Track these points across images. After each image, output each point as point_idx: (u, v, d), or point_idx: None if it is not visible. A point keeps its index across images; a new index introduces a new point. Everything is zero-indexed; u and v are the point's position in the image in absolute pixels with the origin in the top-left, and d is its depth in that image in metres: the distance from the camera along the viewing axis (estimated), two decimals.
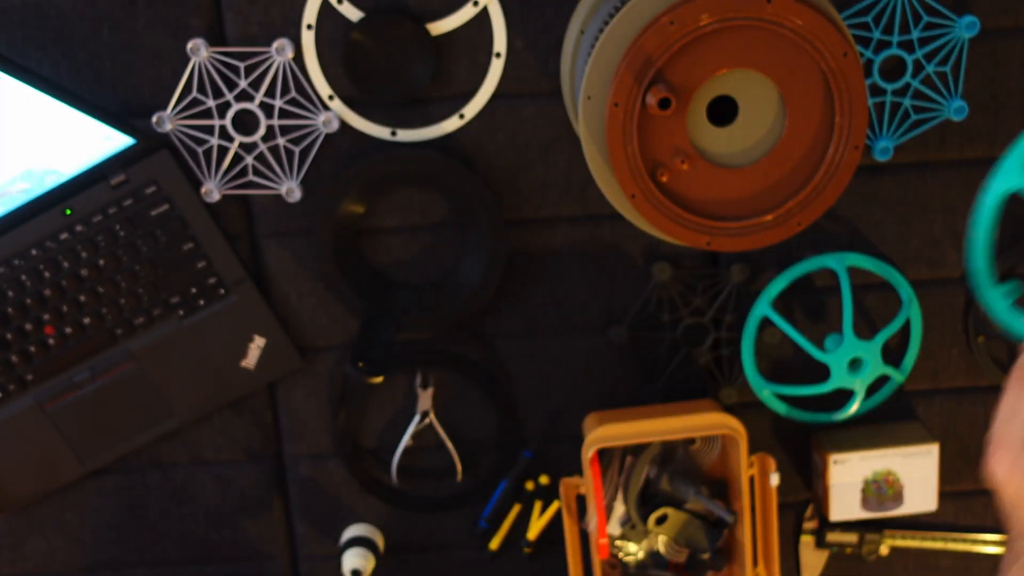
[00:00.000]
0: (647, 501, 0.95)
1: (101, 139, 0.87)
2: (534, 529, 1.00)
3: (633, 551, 0.97)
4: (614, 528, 0.95)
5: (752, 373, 0.93)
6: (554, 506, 0.99)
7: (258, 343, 0.93)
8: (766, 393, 0.94)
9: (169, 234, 0.90)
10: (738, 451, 0.90)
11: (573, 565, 0.95)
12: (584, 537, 0.96)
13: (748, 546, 0.94)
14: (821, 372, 0.93)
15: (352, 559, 0.96)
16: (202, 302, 0.92)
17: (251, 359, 0.94)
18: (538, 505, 1.00)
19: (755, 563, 0.95)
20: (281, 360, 0.95)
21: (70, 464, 0.96)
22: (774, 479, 0.92)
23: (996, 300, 0.72)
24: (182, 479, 0.99)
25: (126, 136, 0.87)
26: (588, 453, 0.90)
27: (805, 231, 0.91)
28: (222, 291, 0.92)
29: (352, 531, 0.99)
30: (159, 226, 0.90)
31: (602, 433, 0.89)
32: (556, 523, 1.00)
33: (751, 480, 0.93)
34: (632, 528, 0.95)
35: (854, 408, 0.94)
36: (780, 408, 0.95)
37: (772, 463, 0.92)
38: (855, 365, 0.92)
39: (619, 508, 0.95)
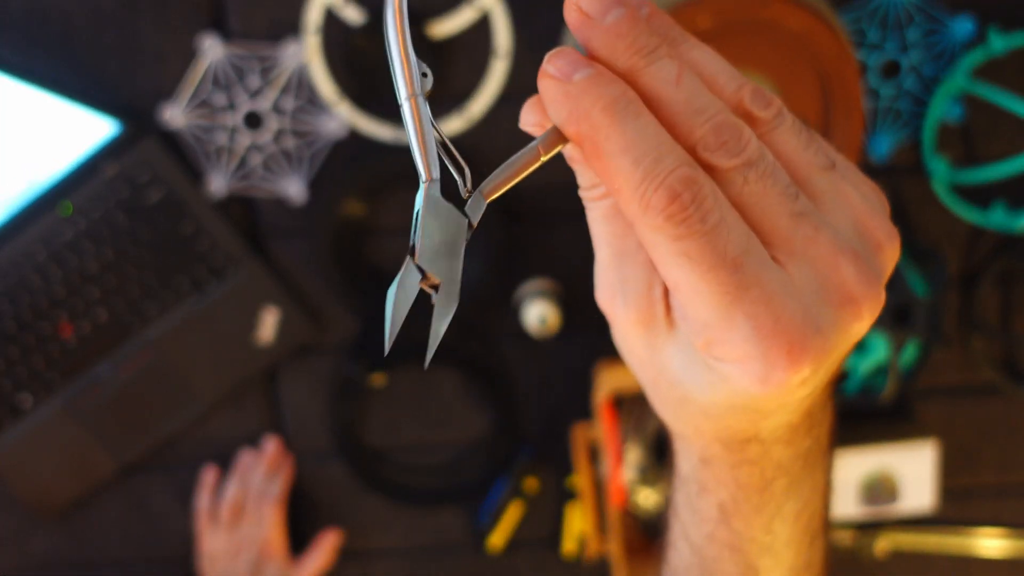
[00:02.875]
0: (662, 443, 0.94)
1: (89, 131, 0.88)
2: (570, 539, 1.00)
3: (647, 497, 0.96)
4: (629, 473, 0.95)
5: None
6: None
7: (272, 315, 0.93)
8: None
9: (169, 218, 0.90)
10: None
11: (590, 513, 0.96)
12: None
13: None
14: None
15: (537, 308, 0.92)
16: (211, 282, 0.92)
17: (268, 332, 0.94)
18: (573, 510, 1.00)
19: None
20: (298, 329, 0.95)
21: (105, 462, 0.96)
22: None
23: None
24: (185, 478, 0.99)
25: (113, 123, 0.87)
26: (601, 399, 0.89)
27: None
28: (229, 268, 0.92)
29: (530, 286, 0.95)
30: (158, 212, 0.90)
31: (617, 378, 0.88)
32: (552, 523, 1.00)
33: None
34: (647, 472, 0.94)
35: (845, 385, 0.93)
36: None
37: None
38: (859, 345, 0.92)
39: (632, 452, 0.94)
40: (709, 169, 0.30)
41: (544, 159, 0.31)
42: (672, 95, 0.30)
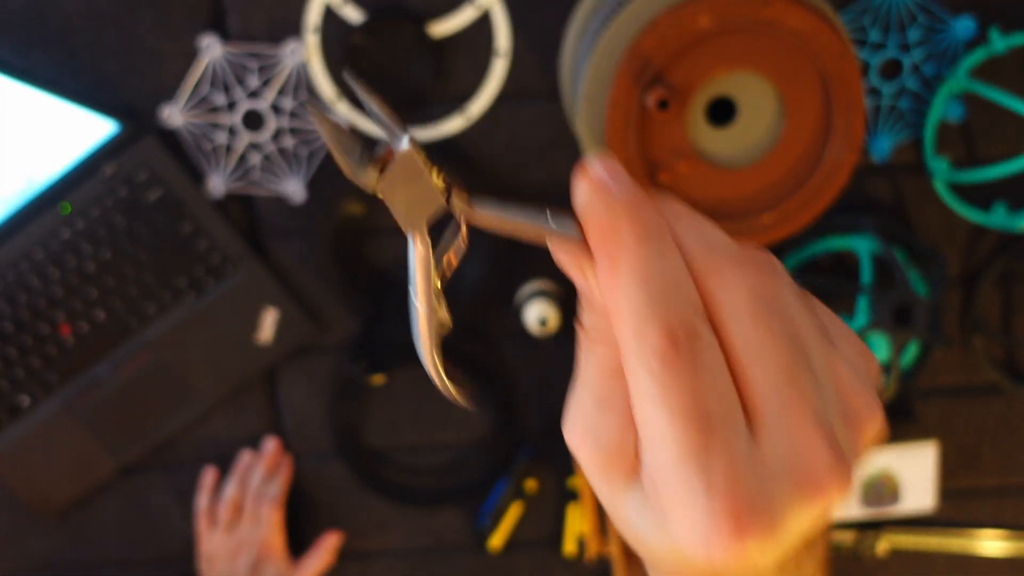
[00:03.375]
0: None
1: (88, 131, 0.88)
2: (570, 539, 1.00)
3: None
4: None
5: None
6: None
7: (272, 316, 0.93)
8: None
9: (168, 218, 0.90)
10: None
11: (590, 513, 0.96)
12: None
13: None
14: None
15: (537, 308, 0.92)
16: (210, 282, 0.92)
17: (267, 332, 0.94)
18: (574, 510, 1.00)
19: None
20: (297, 330, 0.94)
21: (105, 462, 0.96)
22: None
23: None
24: (184, 478, 0.99)
25: (111, 123, 0.87)
26: None
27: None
28: (228, 268, 0.92)
29: (530, 287, 0.94)
30: (157, 211, 0.90)
31: None
32: (552, 524, 1.00)
33: None
34: None
35: None
36: None
37: None
38: None
39: None
40: (718, 312, 0.29)
41: (545, 241, 0.30)
42: (695, 223, 0.30)
